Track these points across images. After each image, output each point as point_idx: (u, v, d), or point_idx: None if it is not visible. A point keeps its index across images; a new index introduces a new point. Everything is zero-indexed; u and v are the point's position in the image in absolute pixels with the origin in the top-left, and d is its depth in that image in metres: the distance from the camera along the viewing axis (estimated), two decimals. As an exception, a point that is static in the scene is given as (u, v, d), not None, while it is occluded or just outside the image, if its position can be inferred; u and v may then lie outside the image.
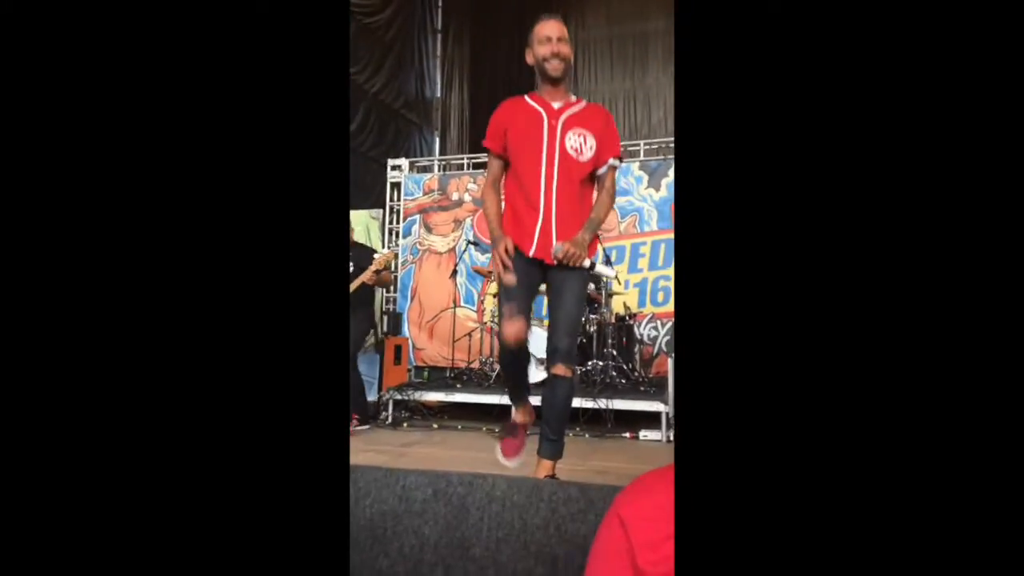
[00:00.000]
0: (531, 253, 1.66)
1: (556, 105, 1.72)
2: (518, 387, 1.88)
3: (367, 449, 2.85)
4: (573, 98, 1.77)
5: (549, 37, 1.69)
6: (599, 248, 3.16)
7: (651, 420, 3.31)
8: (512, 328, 1.66)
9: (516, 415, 1.89)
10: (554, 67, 1.68)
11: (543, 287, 1.76)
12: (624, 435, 3.24)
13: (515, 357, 1.75)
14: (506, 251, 1.62)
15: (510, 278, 1.63)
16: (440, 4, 8.24)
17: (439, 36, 8.24)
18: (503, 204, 1.76)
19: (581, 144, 1.68)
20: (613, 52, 7.37)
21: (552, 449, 1.69)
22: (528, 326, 1.70)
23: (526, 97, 1.76)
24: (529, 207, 1.67)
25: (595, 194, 1.74)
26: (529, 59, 1.76)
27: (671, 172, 4.75)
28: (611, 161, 1.72)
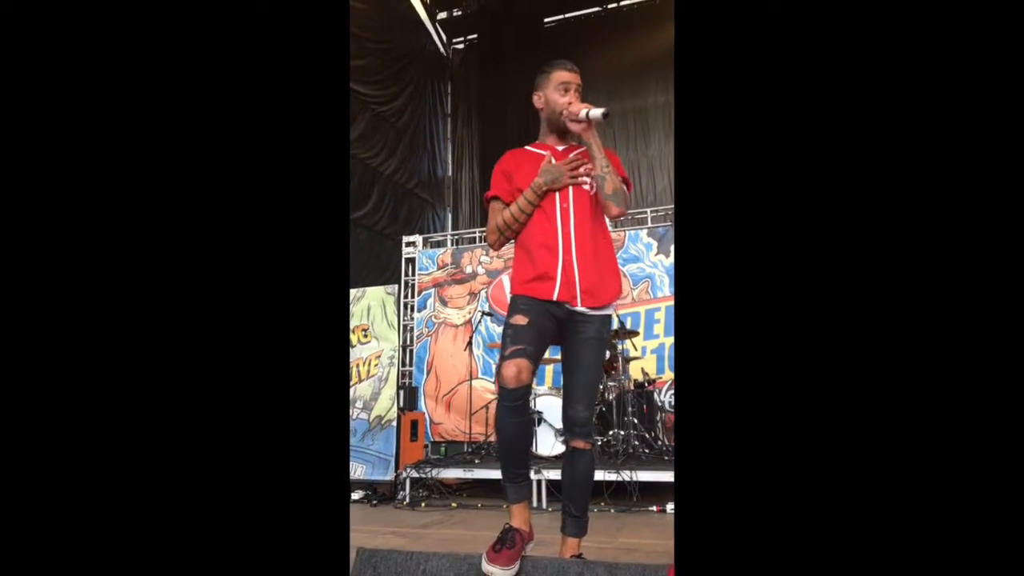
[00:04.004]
0: (555, 297, 1.51)
1: (561, 148, 1.64)
2: (516, 460, 1.53)
3: (385, 531, 2.75)
4: (575, 143, 1.67)
5: (568, 84, 1.57)
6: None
7: (678, 491, 3.19)
8: (513, 367, 1.43)
9: (513, 517, 1.51)
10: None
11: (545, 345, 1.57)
12: (651, 508, 3.11)
13: (515, 413, 1.46)
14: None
15: (520, 319, 1.45)
16: (449, 91, 8.75)
17: (448, 120, 8.70)
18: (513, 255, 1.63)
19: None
20: (615, 127, 7.68)
21: (577, 526, 1.62)
22: (534, 371, 1.48)
23: (527, 147, 1.68)
24: (547, 249, 1.54)
25: (604, 226, 1.63)
26: (539, 103, 1.63)
27: (680, 237, 4.82)
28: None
